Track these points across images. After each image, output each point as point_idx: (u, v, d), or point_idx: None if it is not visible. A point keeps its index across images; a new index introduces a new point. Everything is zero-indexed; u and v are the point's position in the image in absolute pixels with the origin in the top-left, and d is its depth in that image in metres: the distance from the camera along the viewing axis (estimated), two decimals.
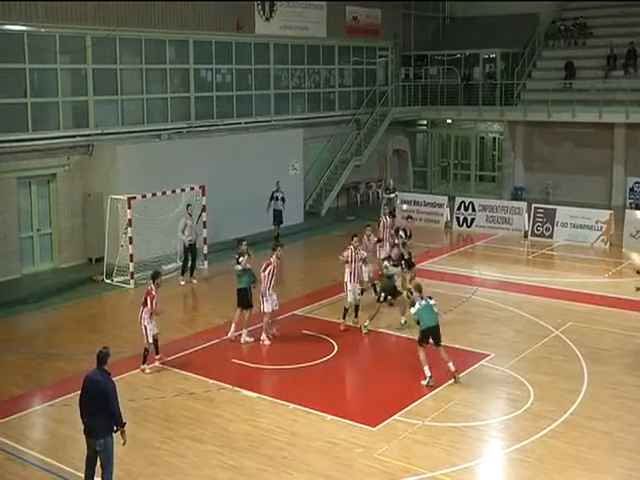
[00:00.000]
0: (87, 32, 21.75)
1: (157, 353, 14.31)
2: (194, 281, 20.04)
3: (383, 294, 15.92)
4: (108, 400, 9.31)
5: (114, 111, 23.04)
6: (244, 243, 15.75)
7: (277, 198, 24.15)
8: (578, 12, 33.29)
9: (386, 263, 16.16)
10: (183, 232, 19.68)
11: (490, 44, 33.35)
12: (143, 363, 14.08)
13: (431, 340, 13.43)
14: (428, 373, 13.29)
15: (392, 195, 26.43)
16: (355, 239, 16.50)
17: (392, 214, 24.94)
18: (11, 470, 10.65)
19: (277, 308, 15.63)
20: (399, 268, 17.09)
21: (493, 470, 10.98)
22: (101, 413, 9.35)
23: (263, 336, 15.48)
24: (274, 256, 15.50)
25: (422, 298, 13.54)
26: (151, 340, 14.05)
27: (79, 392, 9.62)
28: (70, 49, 21.52)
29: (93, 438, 9.42)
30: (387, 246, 18.87)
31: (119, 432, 9.46)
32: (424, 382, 13.28)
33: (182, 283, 19.84)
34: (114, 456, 9.57)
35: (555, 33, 33.66)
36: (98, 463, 9.53)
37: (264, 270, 15.25)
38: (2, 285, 19.15)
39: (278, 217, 24.21)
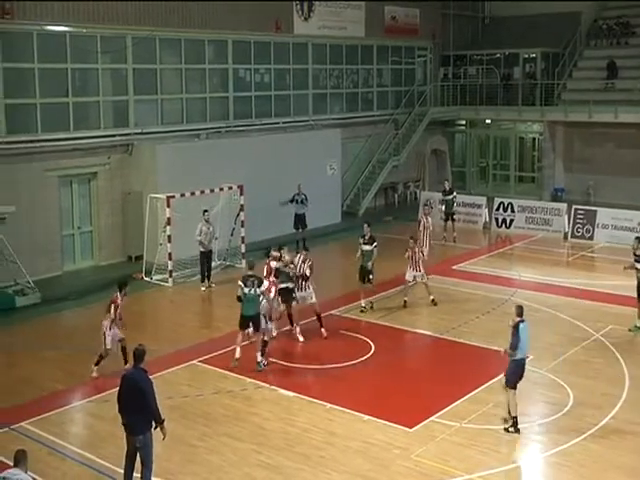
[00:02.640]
0: (128, 32, 22.00)
1: (125, 362, 13.46)
2: (212, 285, 19.77)
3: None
4: (145, 397, 9.39)
5: (154, 111, 23.26)
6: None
7: (297, 201, 23.43)
8: (621, 11, 32.69)
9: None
10: (199, 236, 19.30)
11: (530, 44, 32.98)
12: (95, 365, 13.68)
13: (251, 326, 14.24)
14: (237, 355, 14.10)
15: (450, 197, 25.01)
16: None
17: (451, 217, 24.79)
18: (52, 464, 10.80)
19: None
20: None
21: (531, 474, 10.87)
22: (139, 410, 9.44)
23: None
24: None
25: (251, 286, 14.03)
26: (109, 346, 13.60)
27: (117, 389, 9.74)
28: (111, 49, 21.78)
29: (132, 435, 9.54)
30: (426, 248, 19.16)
31: (158, 428, 9.54)
32: (233, 364, 14.07)
33: (202, 289, 19.54)
34: (153, 453, 9.66)
35: (597, 32, 33.14)
36: (138, 459, 9.64)
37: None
38: (44, 282, 19.40)
39: (301, 221, 23.39)
